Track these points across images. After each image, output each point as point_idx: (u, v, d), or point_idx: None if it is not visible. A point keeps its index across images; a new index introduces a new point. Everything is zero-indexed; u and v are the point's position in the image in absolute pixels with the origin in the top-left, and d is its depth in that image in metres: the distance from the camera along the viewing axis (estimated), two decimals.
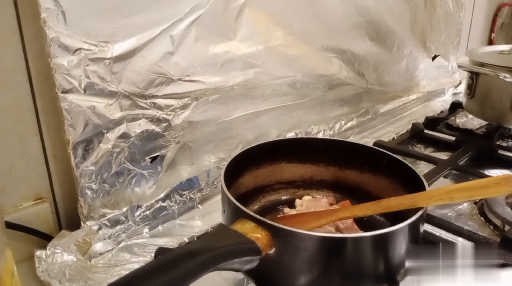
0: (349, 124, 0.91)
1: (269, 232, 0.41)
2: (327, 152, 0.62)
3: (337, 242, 0.42)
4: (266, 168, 0.61)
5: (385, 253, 0.43)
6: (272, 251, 0.41)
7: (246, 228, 0.41)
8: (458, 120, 1.00)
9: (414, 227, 0.45)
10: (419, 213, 0.45)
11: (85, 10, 0.50)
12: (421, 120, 0.97)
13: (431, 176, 0.70)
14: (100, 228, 0.56)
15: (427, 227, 0.58)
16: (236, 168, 0.55)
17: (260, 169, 0.60)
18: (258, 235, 0.41)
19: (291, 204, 0.60)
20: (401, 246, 0.44)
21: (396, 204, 0.47)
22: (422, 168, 0.75)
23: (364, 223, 0.55)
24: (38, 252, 0.51)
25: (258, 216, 0.42)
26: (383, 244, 0.43)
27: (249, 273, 0.45)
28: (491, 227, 0.60)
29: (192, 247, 0.38)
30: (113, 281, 0.31)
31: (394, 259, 0.44)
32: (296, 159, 0.62)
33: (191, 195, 0.65)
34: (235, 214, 0.45)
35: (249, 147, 0.58)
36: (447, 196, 0.45)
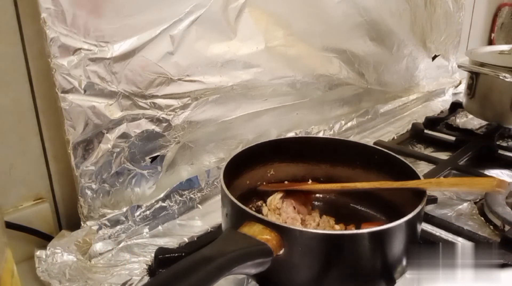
0: (349, 124, 0.91)
1: (278, 233, 0.41)
2: (319, 150, 0.62)
3: (349, 239, 0.43)
4: (260, 169, 0.61)
5: (384, 249, 0.44)
6: (281, 252, 0.41)
7: (255, 231, 0.41)
8: (458, 120, 1.00)
9: (413, 224, 0.45)
10: (417, 210, 0.45)
11: (85, 10, 0.50)
12: (421, 120, 0.97)
13: (431, 176, 0.70)
14: (100, 228, 0.56)
15: (427, 227, 0.58)
16: (233, 171, 0.55)
17: (254, 170, 0.60)
18: (267, 237, 0.41)
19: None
20: (400, 243, 0.45)
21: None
22: (422, 168, 0.75)
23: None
24: (38, 252, 0.51)
25: (265, 218, 0.42)
26: (383, 240, 0.44)
27: (259, 276, 0.45)
28: (491, 227, 0.60)
29: (205, 253, 0.38)
30: None
31: (392, 256, 0.45)
32: (288, 158, 0.62)
33: (191, 195, 0.65)
34: (240, 218, 0.45)
35: (242, 149, 0.58)
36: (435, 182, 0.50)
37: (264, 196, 0.60)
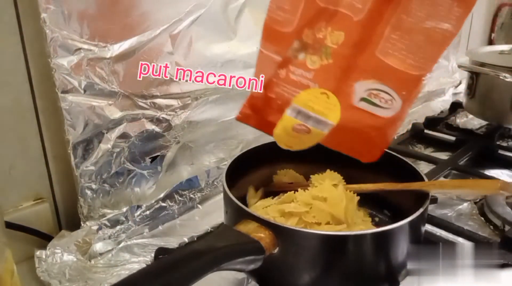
0: None
1: (273, 232, 0.41)
2: (323, 151, 0.62)
3: (340, 240, 0.42)
4: (267, 169, 0.60)
5: (386, 251, 0.44)
6: (276, 250, 0.41)
7: (249, 228, 0.41)
8: (458, 120, 1.00)
9: (415, 225, 0.45)
10: (420, 211, 0.45)
11: (85, 10, 0.50)
12: (421, 120, 0.97)
13: (431, 176, 0.70)
14: (100, 228, 0.56)
15: (427, 227, 0.58)
16: (238, 169, 0.54)
17: (261, 169, 0.60)
18: (261, 235, 0.41)
19: None
20: (402, 244, 0.44)
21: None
22: (422, 168, 0.75)
23: None
24: (38, 252, 0.51)
25: (260, 216, 0.42)
26: (384, 241, 0.43)
27: (253, 273, 0.45)
28: (491, 227, 0.60)
29: (195, 247, 0.38)
30: (117, 282, 0.31)
31: (395, 257, 0.44)
32: (296, 159, 0.62)
33: (191, 195, 0.65)
34: (238, 215, 0.45)
35: (250, 148, 0.58)
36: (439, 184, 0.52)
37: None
